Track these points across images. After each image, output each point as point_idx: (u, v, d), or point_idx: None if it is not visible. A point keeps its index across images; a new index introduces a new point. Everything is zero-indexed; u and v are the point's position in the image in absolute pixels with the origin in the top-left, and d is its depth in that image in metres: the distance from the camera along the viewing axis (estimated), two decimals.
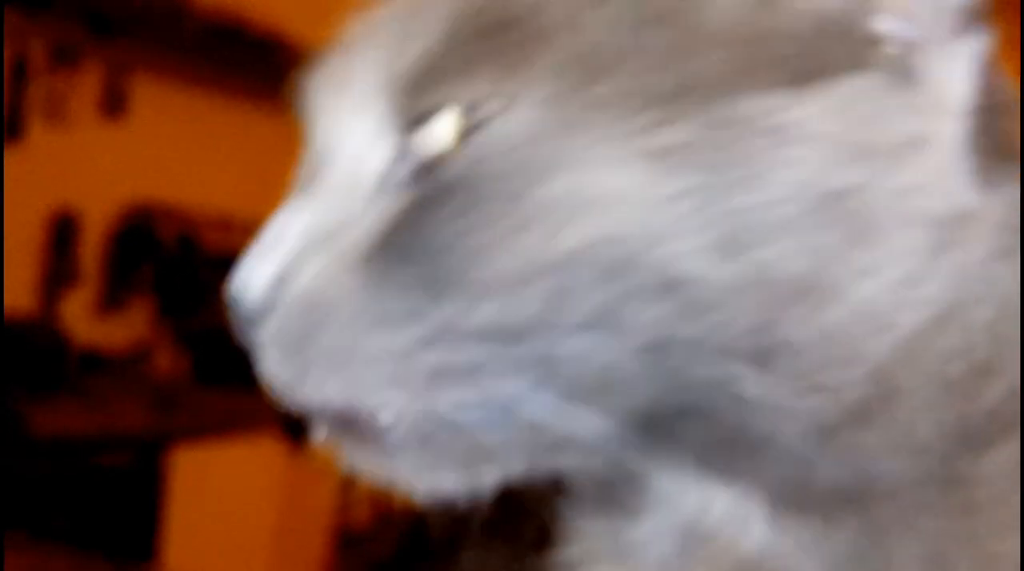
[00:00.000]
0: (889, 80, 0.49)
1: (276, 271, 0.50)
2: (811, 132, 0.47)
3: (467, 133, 0.48)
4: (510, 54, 0.48)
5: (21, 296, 2.92)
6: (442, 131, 0.49)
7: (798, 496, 0.49)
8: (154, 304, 3.25)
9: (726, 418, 0.48)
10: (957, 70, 0.49)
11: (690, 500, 0.51)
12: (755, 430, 0.48)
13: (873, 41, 0.49)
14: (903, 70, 0.49)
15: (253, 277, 0.50)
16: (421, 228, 0.48)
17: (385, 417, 0.49)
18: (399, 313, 0.48)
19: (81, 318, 3.07)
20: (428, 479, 0.50)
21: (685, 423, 0.48)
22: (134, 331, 3.21)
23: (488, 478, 0.50)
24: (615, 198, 0.46)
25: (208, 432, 2.77)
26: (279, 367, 0.50)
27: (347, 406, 0.49)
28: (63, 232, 3.07)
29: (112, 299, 3.20)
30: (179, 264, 3.24)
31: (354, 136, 0.52)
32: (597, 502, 0.54)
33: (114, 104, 3.09)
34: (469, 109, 0.48)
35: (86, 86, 3.03)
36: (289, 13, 2.58)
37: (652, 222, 0.46)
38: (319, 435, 0.51)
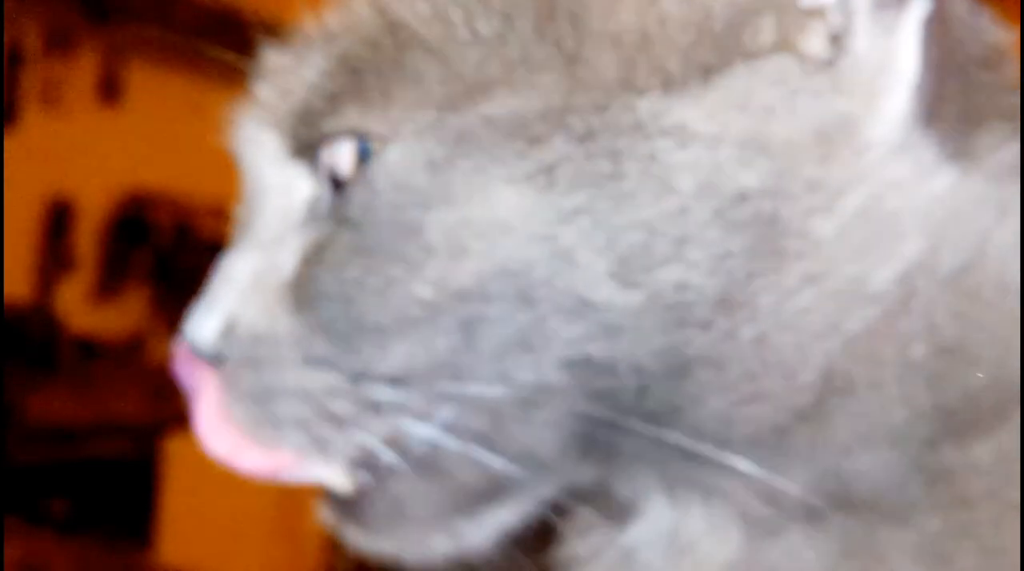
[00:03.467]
0: (802, 63, 0.45)
1: (224, 317, 0.49)
2: (705, 131, 0.44)
3: (361, 163, 0.47)
4: (391, 83, 0.47)
5: (17, 283, 2.91)
6: (341, 162, 0.48)
7: (771, 502, 0.47)
8: (150, 291, 3.24)
9: (666, 430, 0.46)
10: (895, 41, 0.45)
11: (668, 512, 0.49)
12: (703, 440, 0.46)
13: (794, 20, 0.45)
14: (828, 49, 0.45)
15: (203, 326, 0.49)
16: (330, 264, 0.47)
17: (322, 467, 0.48)
18: (321, 355, 0.47)
19: (77, 305, 3.07)
20: (410, 547, 0.49)
21: (627, 437, 0.46)
22: (130, 318, 3.21)
23: (476, 534, 0.48)
24: (509, 224, 0.44)
25: None
26: (238, 415, 0.49)
27: (288, 445, 0.48)
28: (59, 219, 3.07)
29: (108, 286, 3.19)
30: (175, 251, 3.24)
31: (278, 169, 0.51)
32: (587, 505, 0.53)
33: (110, 90, 3.08)
34: (360, 139, 0.47)
35: (82, 72, 3.03)
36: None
37: (552, 246, 0.44)
38: (324, 516, 0.51)
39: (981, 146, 0.46)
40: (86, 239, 3.15)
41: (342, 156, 0.48)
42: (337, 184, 0.48)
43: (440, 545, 0.49)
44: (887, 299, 0.45)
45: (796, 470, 0.46)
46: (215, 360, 0.49)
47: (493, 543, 0.49)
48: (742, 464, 0.45)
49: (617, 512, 0.51)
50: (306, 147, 0.49)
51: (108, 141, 3.07)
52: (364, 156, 0.47)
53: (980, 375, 0.46)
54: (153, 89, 3.15)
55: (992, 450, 0.46)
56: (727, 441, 0.45)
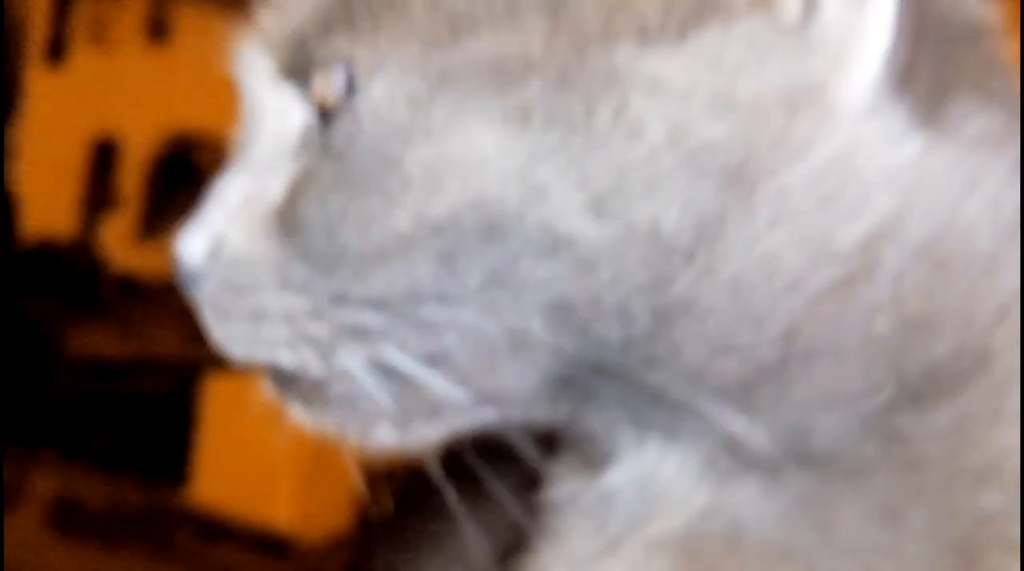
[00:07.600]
0: (774, 25, 0.47)
1: (213, 235, 0.52)
2: (678, 84, 0.46)
3: (349, 93, 0.49)
4: (380, 14, 0.48)
5: (60, 220, 2.94)
6: (329, 92, 0.50)
7: (735, 454, 0.49)
8: None
9: (642, 378, 0.48)
10: (868, 8, 0.47)
11: (645, 457, 0.51)
12: (674, 391, 0.48)
13: None
14: (800, 12, 0.47)
15: (192, 242, 0.52)
16: (315, 193, 0.49)
17: (304, 373, 0.50)
18: (299, 279, 0.49)
19: (120, 243, 3.09)
20: (362, 433, 0.51)
21: (605, 382, 0.48)
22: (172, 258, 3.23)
23: (428, 432, 0.51)
24: (484, 159, 0.46)
25: None
26: (214, 327, 0.52)
27: (273, 363, 0.51)
28: (104, 157, 3.08)
29: (151, 225, 3.21)
30: None
31: (274, 93, 0.53)
32: (570, 450, 0.55)
33: (158, 30, 3.08)
34: (348, 67, 0.49)
35: (130, 11, 3.03)
36: None
37: (525, 182, 0.46)
38: (266, 389, 0.53)
39: (953, 115, 0.48)
40: (131, 178, 3.16)
41: (331, 86, 0.49)
42: (325, 115, 0.50)
43: (386, 435, 0.51)
44: (851, 262, 0.46)
45: (758, 425, 0.48)
46: (202, 278, 0.52)
47: (440, 440, 0.51)
48: (715, 409, 0.48)
49: (596, 458, 0.53)
50: (297, 71, 0.51)
51: (155, 80, 3.08)
52: (351, 89, 0.49)
53: (944, 347, 0.47)
54: (201, 29, 3.16)
55: (948, 416, 0.48)
56: (696, 393, 0.48)
